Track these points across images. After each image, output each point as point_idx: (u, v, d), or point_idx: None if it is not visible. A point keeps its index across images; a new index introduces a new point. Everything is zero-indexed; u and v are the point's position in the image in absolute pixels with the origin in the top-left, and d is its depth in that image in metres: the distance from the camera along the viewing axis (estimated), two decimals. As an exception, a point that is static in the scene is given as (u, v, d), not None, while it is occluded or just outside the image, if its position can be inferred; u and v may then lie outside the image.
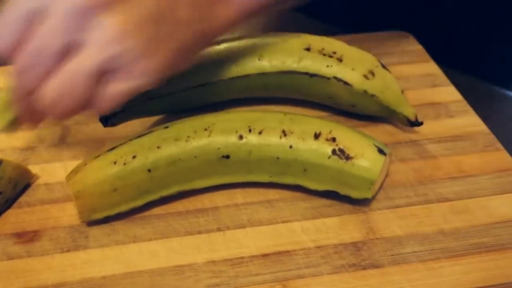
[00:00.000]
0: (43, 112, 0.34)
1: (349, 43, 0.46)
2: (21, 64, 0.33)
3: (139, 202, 0.38)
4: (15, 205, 0.40)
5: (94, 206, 0.37)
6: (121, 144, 0.38)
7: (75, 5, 0.31)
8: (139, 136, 0.38)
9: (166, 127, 0.39)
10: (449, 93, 0.50)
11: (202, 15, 0.36)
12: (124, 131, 0.45)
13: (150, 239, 0.37)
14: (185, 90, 0.43)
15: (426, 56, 0.55)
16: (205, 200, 0.40)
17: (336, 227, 0.38)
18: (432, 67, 0.53)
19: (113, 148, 0.38)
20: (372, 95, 0.44)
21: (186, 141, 0.38)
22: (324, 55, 0.44)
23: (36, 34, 0.32)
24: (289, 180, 0.40)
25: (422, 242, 0.37)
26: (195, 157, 0.38)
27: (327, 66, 0.44)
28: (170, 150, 0.37)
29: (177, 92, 0.43)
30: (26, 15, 0.32)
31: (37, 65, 0.33)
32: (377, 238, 0.37)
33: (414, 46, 0.56)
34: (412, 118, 0.45)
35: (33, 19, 0.32)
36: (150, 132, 0.38)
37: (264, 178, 0.40)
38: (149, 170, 0.37)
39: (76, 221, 0.39)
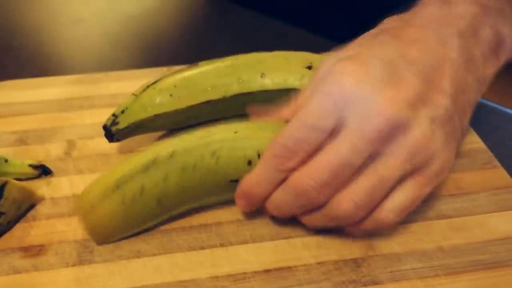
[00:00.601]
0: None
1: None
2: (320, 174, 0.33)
3: (148, 225, 0.39)
4: (21, 219, 0.41)
5: (106, 236, 0.38)
6: (126, 181, 0.37)
7: (379, 128, 0.31)
8: (144, 169, 0.37)
9: (171, 156, 0.37)
10: (448, 110, 0.51)
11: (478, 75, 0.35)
12: (129, 145, 0.46)
13: (154, 254, 0.38)
14: (190, 107, 0.44)
15: (426, 73, 0.55)
16: (209, 216, 0.41)
17: (336, 243, 0.39)
18: (431, 84, 0.54)
19: (119, 185, 0.37)
20: (373, 113, 0.45)
21: (193, 171, 0.37)
22: (326, 73, 0.45)
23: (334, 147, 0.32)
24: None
25: (421, 259, 0.37)
26: (204, 183, 0.38)
27: (329, 84, 0.45)
28: (177, 180, 0.37)
29: (182, 109, 0.44)
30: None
31: (340, 176, 0.32)
32: (376, 255, 0.38)
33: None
34: (412, 135, 0.45)
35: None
36: (155, 162, 0.37)
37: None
38: (158, 201, 0.37)
39: (81, 235, 0.39)
